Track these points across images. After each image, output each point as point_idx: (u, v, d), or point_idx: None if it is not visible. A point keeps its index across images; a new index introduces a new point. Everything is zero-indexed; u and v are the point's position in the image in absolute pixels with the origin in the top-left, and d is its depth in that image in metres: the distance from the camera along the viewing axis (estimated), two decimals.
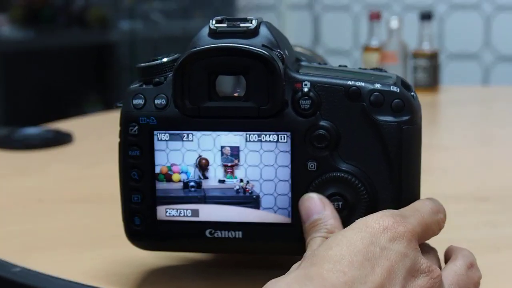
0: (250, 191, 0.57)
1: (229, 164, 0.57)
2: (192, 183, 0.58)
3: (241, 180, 0.57)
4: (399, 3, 2.84)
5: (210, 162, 0.57)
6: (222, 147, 0.57)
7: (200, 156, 0.57)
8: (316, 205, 0.55)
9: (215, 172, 0.57)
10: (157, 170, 0.58)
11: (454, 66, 2.75)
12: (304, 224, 0.55)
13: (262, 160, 0.57)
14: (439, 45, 2.69)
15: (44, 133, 1.20)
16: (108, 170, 0.71)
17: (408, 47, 1.78)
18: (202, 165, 0.57)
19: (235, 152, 0.57)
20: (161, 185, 0.58)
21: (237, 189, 0.57)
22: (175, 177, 0.58)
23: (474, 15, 2.72)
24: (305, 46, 0.80)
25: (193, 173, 0.58)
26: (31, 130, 1.20)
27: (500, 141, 1.27)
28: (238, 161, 0.57)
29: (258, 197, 0.57)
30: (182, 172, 0.58)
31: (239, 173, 0.57)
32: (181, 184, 0.58)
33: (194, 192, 0.58)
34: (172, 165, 0.58)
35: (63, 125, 1.34)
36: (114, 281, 0.62)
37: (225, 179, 0.57)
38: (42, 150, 1.16)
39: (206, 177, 0.58)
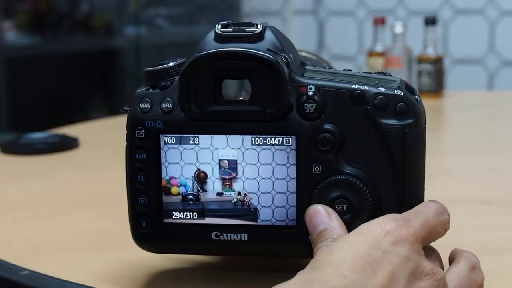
0: (247, 204, 0.58)
1: (227, 177, 0.58)
2: (190, 196, 0.58)
3: (239, 193, 0.58)
4: (404, 8, 2.84)
5: (208, 175, 0.58)
6: (220, 160, 0.57)
7: (198, 169, 0.58)
8: (322, 216, 0.55)
9: (213, 185, 0.58)
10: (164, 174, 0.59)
11: (458, 71, 2.75)
12: (311, 236, 0.55)
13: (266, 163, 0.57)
14: (443, 50, 2.69)
15: (51, 138, 1.21)
16: (114, 174, 0.71)
17: (412, 52, 1.78)
18: (201, 178, 0.58)
19: (233, 165, 0.57)
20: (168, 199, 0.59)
21: (235, 202, 0.58)
22: (174, 190, 0.59)
23: (479, 20, 2.72)
24: (310, 51, 0.81)
25: (191, 186, 0.58)
26: (38, 135, 1.21)
27: (504, 146, 1.27)
28: (236, 174, 0.58)
29: (256, 209, 0.58)
30: (180, 185, 0.58)
31: (237, 186, 0.58)
32: (180, 197, 0.59)
33: (193, 205, 0.58)
34: (171, 178, 0.58)
35: (69, 130, 1.34)
36: (120, 283, 0.63)
37: (223, 192, 0.58)
38: (49, 155, 1.16)
39: (204, 190, 0.58)
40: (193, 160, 0.58)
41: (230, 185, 0.58)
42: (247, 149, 0.57)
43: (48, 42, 3.05)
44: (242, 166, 0.57)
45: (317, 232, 0.55)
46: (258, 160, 0.57)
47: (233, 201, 0.58)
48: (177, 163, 0.58)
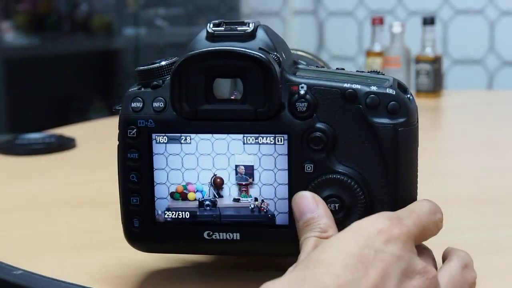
0: (265, 210, 0.58)
1: (243, 183, 0.58)
2: (207, 202, 0.58)
3: (256, 199, 0.58)
4: (404, 9, 2.84)
5: (225, 181, 0.58)
6: (237, 166, 0.57)
7: (215, 175, 0.58)
8: (309, 203, 0.55)
9: (230, 190, 0.58)
10: (156, 173, 0.58)
11: (458, 71, 2.75)
12: (297, 223, 0.55)
13: (261, 163, 0.57)
14: (443, 50, 2.69)
15: (47, 138, 1.21)
16: (110, 174, 0.71)
17: (411, 52, 1.78)
18: (217, 184, 0.58)
19: (249, 171, 0.57)
20: (176, 204, 0.59)
21: (252, 208, 0.58)
22: (191, 195, 0.58)
23: (478, 20, 2.72)
24: (307, 51, 0.80)
25: (208, 192, 0.58)
26: (35, 136, 1.21)
27: (503, 145, 1.27)
28: (253, 180, 0.57)
29: (273, 216, 0.58)
30: (197, 191, 0.58)
31: (254, 191, 0.58)
32: (197, 202, 0.58)
33: (210, 211, 0.58)
34: (188, 184, 0.58)
35: (66, 131, 1.34)
36: (114, 283, 0.63)
37: (240, 197, 0.58)
38: (45, 155, 1.16)
39: (221, 196, 0.58)
40: (209, 165, 0.58)
41: (247, 191, 0.58)
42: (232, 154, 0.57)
43: (48, 43, 3.05)
44: (259, 172, 0.57)
45: (304, 220, 0.54)
46: (260, 165, 0.57)
47: (250, 207, 0.58)
48: (178, 170, 0.58)
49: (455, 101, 1.81)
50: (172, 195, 0.58)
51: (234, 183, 0.58)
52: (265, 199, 0.57)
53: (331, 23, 3.07)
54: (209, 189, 0.58)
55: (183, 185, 0.58)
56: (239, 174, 0.57)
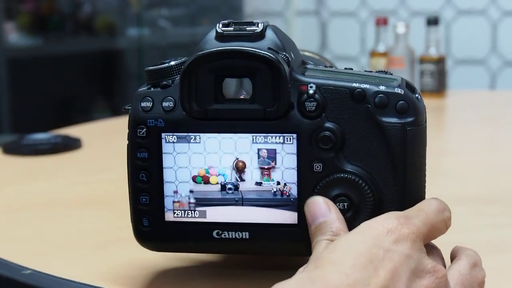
0: (287, 194, 0.58)
1: (266, 167, 0.58)
2: (229, 185, 0.58)
3: (278, 183, 0.58)
4: (406, 9, 2.84)
5: (247, 164, 0.58)
6: (259, 149, 0.58)
7: (237, 158, 0.58)
8: (321, 208, 0.55)
9: (252, 174, 0.58)
10: (166, 172, 0.59)
11: (461, 71, 2.75)
12: (310, 227, 0.55)
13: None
14: (446, 50, 2.69)
15: (53, 138, 1.21)
16: (116, 174, 0.71)
17: (415, 52, 1.78)
18: (239, 168, 0.58)
19: (272, 154, 0.57)
20: (198, 187, 0.59)
21: (274, 192, 0.58)
22: (213, 179, 0.58)
23: (481, 20, 2.72)
24: (313, 51, 0.81)
25: (230, 176, 0.58)
26: (40, 136, 1.21)
27: (506, 145, 1.27)
28: (275, 164, 0.58)
29: (296, 199, 0.58)
30: (219, 174, 0.58)
31: (276, 175, 0.58)
32: (219, 186, 0.58)
33: (232, 194, 0.58)
34: (210, 167, 0.58)
35: (72, 131, 1.34)
36: (122, 282, 0.63)
37: (262, 181, 0.58)
38: (51, 155, 1.16)
39: (243, 180, 0.58)
40: (232, 149, 0.58)
41: (269, 175, 0.58)
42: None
43: (51, 44, 3.06)
44: (282, 155, 0.57)
45: (316, 224, 0.55)
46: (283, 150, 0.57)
47: (272, 191, 0.58)
48: (186, 168, 0.58)
49: (459, 101, 1.81)
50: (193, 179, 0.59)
51: (256, 167, 0.58)
52: (287, 183, 0.57)
53: (333, 23, 3.07)
54: (231, 173, 0.58)
55: (205, 169, 0.58)
56: (262, 158, 0.58)
